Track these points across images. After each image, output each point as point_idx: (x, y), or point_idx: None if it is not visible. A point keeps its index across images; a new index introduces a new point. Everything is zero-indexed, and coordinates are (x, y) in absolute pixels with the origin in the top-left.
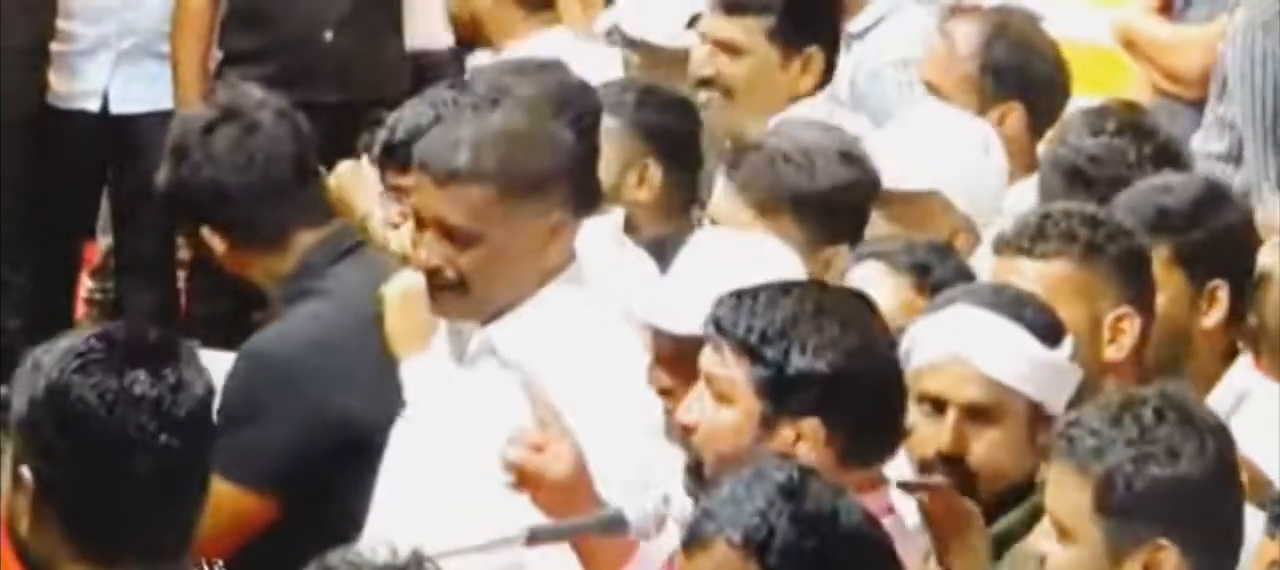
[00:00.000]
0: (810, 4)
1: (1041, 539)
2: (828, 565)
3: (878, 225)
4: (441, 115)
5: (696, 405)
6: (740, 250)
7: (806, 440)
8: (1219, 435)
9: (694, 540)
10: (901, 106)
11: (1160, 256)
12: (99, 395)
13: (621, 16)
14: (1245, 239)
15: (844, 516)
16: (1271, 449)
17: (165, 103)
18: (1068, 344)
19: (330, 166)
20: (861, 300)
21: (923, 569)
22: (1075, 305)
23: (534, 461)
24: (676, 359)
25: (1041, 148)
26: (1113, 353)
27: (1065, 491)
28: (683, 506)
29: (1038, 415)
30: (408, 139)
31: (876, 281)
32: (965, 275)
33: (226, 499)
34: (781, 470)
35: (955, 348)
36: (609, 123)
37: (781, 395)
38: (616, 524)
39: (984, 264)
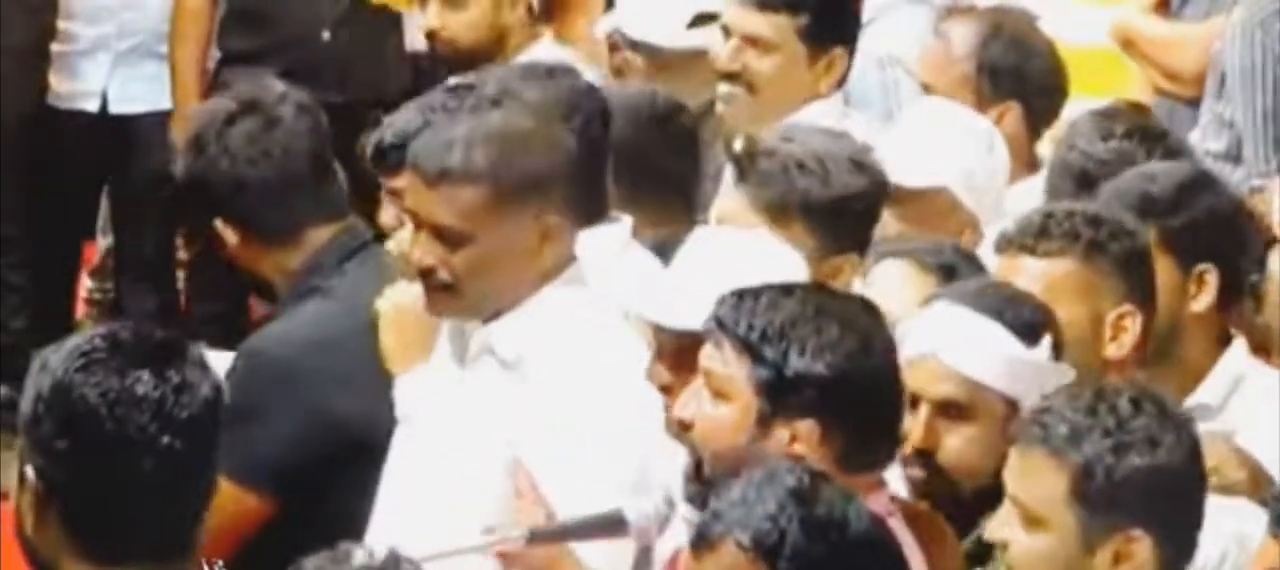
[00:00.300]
0: (841, 4)
1: (1000, 527)
2: (838, 568)
3: (887, 223)
4: (435, 117)
5: (694, 402)
6: (741, 247)
7: (802, 441)
8: (1188, 427)
9: (703, 541)
10: (884, 104)
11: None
12: (101, 395)
13: (623, 20)
14: (1232, 222)
15: (854, 522)
16: (1266, 434)
17: (164, 103)
18: (1046, 343)
19: None
20: (863, 304)
21: None
22: (1077, 304)
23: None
24: (677, 355)
25: (1048, 151)
26: (1114, 351)
27: (1037, 478)
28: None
29: (1014, 413)
30: (399, 141)
31: (902, 280)
32: (986, 275)
33: (223, 496)
34: (792, 473)
35: (931, 345)
36: None
37: (779, 395)
38: (616, 524)
39: (987, 263)
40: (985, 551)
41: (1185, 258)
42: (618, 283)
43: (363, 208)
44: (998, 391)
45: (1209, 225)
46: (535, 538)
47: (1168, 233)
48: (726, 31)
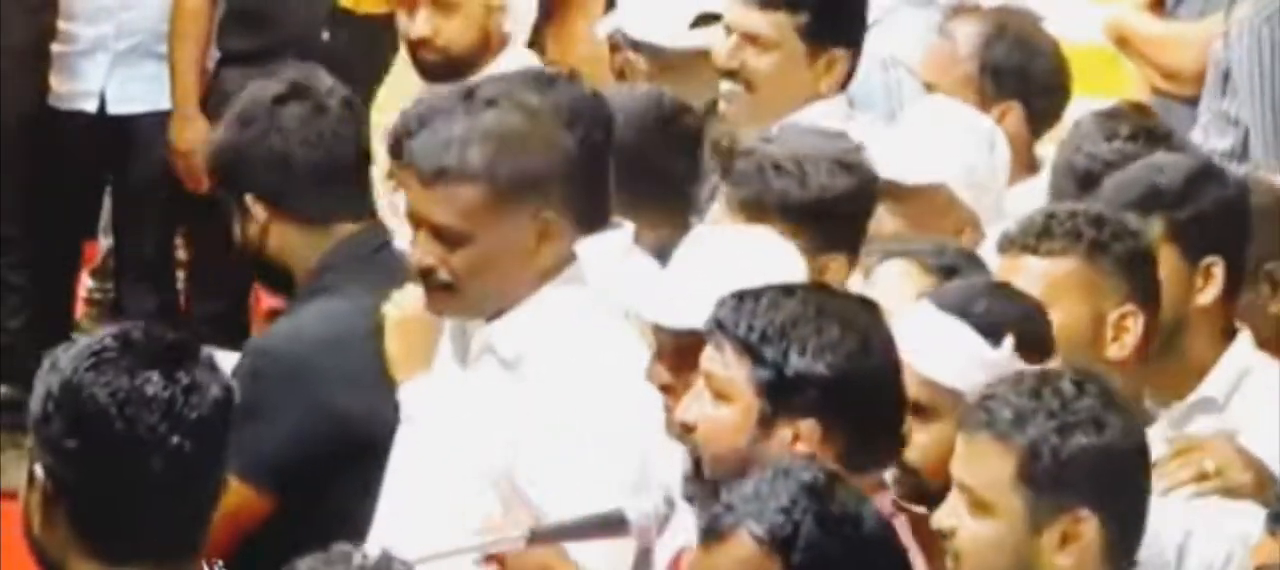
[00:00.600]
0: (842, 5)
1: (948, 515)
2: (851, 566)
3: (883, 220)
4: (434, 116)
5: (696, 404)
6: (740, 246)
7: (804, 441)
8: (1133, 412)
9: (714, 533)
10: (888, 105)
11: (1153, 233)
12: (111, 395)
13: (625, 20)
14: (1240, 215)
15: (867, 520)
16: (1271, 429)
17: (163, 103)
18: (1008, 342)
19: None
20: (863, 303)
21: None
22: (1079, 304)
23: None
24: (677, 355)
25: (1053, 152)
26: (1116, 351)
27: (983, 463)
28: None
29: None
30: (396, 140)
31: (904, 280)
32: (987, 275)
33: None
34: (807, 470)
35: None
36: None
37: (780, 395)
38: (617, 524)
39: (988, 263)
40: None
41: (1192, 250)
42: (620, 288)
43: None
44: (958, 391)
45: (1217, 217)
46: (535, 538)
47: (1175, 225)
48: (728, 29)
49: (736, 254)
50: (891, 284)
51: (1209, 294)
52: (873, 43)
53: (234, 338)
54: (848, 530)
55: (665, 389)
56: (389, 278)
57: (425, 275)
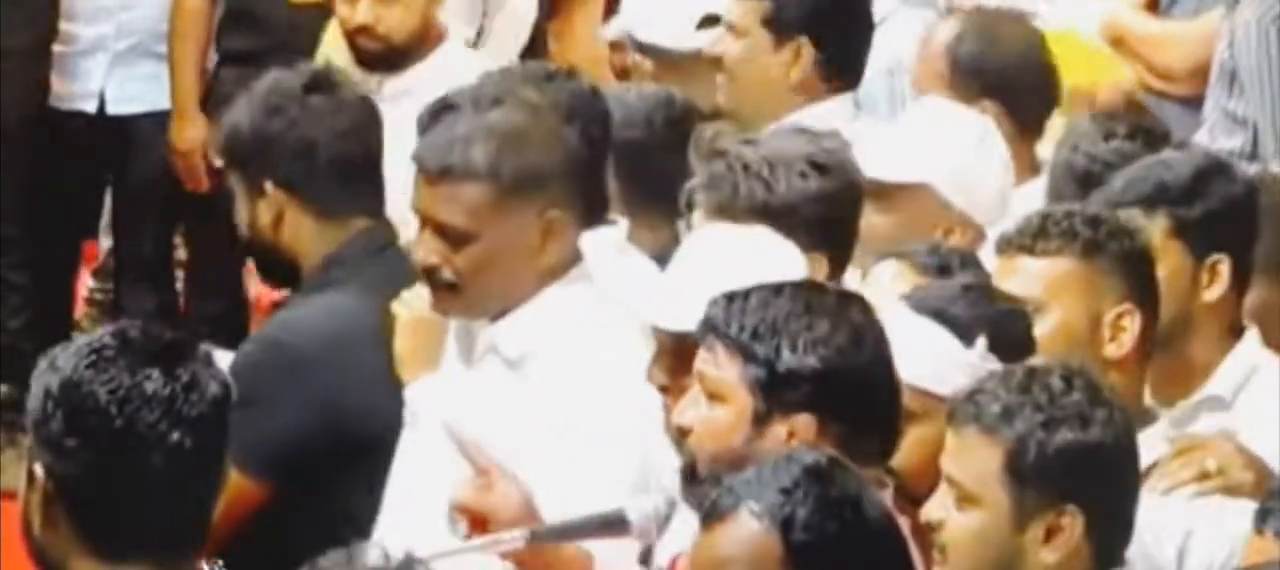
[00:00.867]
0: None
1: (935, 507)
2: (850, 549)
3: (870, 218)
4: (445, 114)
5: (691, 407)
6: (740, 247)
7: (800, 436)
8: (1121, 409)
9: (715, 513)
10: (892, 110)
11: (1160, 230)
12: (111, 392)
13: (631, 22)
14: (1247, 212)
15: (868, 505)
16: (1277, 426)
17: (162, 103)
18: (981, 343)
19: None
20: (856, 300)
21: None
22: (1076, 303)
23: (484, 503)
24: (677, 357)
25: (1052, 154)
26: (1113, 351)
27: (971, 456)
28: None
29: None
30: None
31: (899, 281)
32: (976, 276)
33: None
34: (809, 455)
35: None
36: None
37: (774, 391)
38: (617, 524)
39: (988, 264)
40: None
41: (1198, 247)
42: (616, 284)
43: None
44: (935, 393)
45: (1224, 214)
46: (536, 538)
47: (1181, 221)
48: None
49: (736, 255)
50: (884, 285)
51: (1215, 291)
52: (874, 46)
53: (233, 338)
54: (847, 513)
55: (664, 390)
56: (395, 276)
57: (429, 274)
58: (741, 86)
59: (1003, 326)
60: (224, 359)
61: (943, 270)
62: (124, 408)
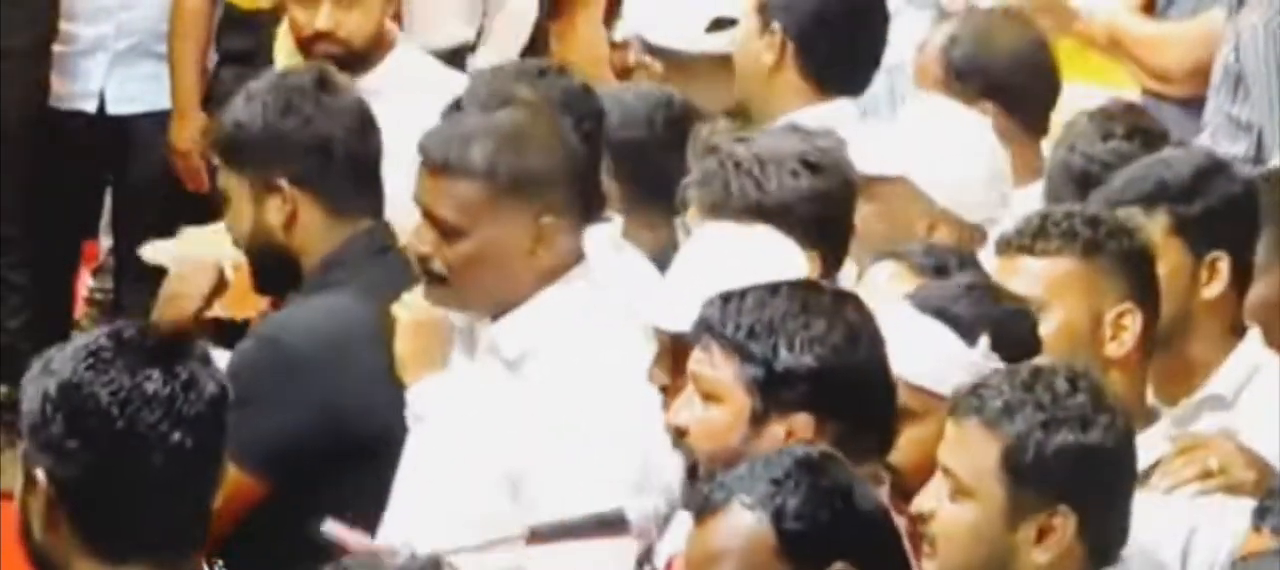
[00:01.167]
0: None
1: (928, 498)
2: (843, 537)
3: (857, 211)
4: (457, 111)
5: (686, 408)
6: (741, 247)
7: (798, 435)
8: (1123, 413)
9: (707, 507)
10: (892, 109)
11: (1160, 228)
12: (111, 393)
13: (641, 25)
14: (1246, 210)
15: (860, 495)
16: (1278, 425)
17: (162, 103)
18: (983, 342)
19: None
20: (852, 299)
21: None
22: (1076, 302)
23: None
24: (677, 357)
25: (1049, 154)
26: (1114, 350)
27: (970, 449)
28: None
29: None
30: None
31: (895, 282)
32: (977, 276)
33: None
34: (800, 448)
35: None
36: None
37: (771, 391)
38: (617, 524)
39: (988, 265)
40: None
41: (1198, 245)
42: (613, 282)
43: None
44: (936, 393)
45: (1223, 212)
46: (535, 537)
47: (1181, 219)
48: None
49: (737, 255)
50: (881, 285)
51: (1214, 289)
52: None
53: (232, 337)
54: (839, 502)
55: (665, 390)
56: (395, 279)
57: (421, 262)
58: (739, 77)
59: (1007, 326)
60: (222, 357)
61: (939, 271)
62: (125, 409)
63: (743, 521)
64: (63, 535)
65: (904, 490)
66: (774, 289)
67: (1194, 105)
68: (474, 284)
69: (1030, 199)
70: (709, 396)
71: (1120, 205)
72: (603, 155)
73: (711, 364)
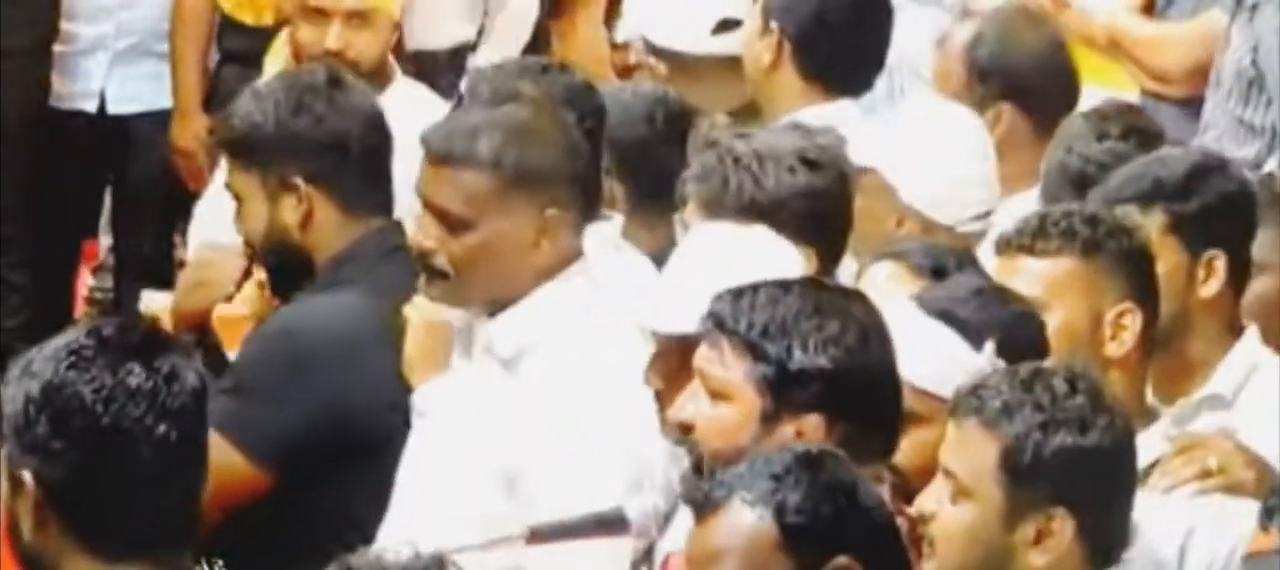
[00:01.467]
0: None
1: (929, 498)
2: (845, 532)
3: None
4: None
5: (692, 404)
6: (737, 247)
7: (809, 436)
8: (1123, 415)
9: (707, 505)
10: (890, 106)
11: (1156, 226)
12: (94, 391)
13: (645, 26)
14: (1242, 208)
15: (863, 491)
16: (1278, 424)
17: (162, 102)
18: (989, 347)
19: None
20: (860, 298)
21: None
22: (1076, 303)
23: None
24: (673, 359)
25: (1045, 156)
26: (1114, 349)
27: (969, 449)
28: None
29: None
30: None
31: (894, 282)
32: (982, 278)
33: (226, 459)
34: (802, 446)
35: None
36: None
37: (783, 391)
38: (616, 523)
39: (986, 266)
40: None
41: (1194, 243)
42: (612, 281)
43: None
44: (940, 396)
45: (1219, 210)
46: (535, 537)
47: (1177, 217)
48: None
49: (734, 255)
50: (880, 285)
51: (1211, 287)
52: None
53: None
54: (841, 497)
55: (659, 393)
56: (405, 278)
57: (423, 258)
58: (748, 77)
59: (1014, 330)
60: (155, 298)
61: (938, 272)
62: (109, 405)
63: (744, 518)
64: (53, 536)
65: (906, 492)
66: (786, 287)
67: (1193, 105)
68: (477, 278)
69: (1032, 201)
70: (717, 395)
71: (1116, 204)
72: (603, 154)
73: (722, 362)
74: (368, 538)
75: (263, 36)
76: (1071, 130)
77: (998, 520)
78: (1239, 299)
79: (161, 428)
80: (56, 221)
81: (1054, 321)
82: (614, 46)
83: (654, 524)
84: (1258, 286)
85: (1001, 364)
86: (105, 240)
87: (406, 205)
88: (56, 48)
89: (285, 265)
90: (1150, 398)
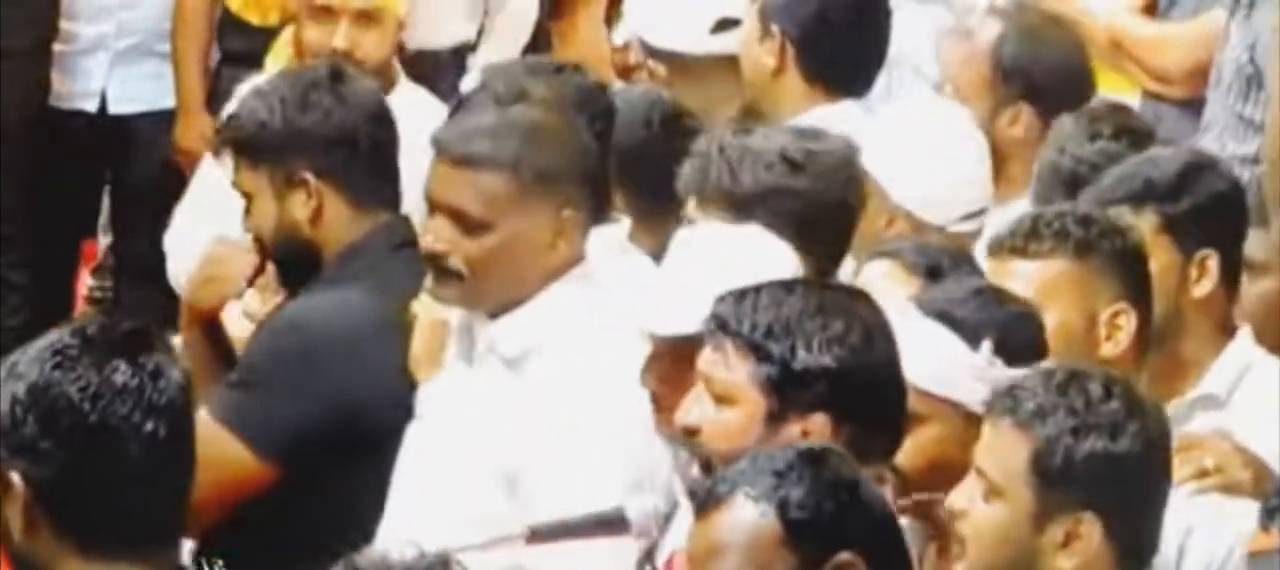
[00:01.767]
0: None
1: (960, 496)
2: (848, 528)
3: None
4: (467, 105)
5: (696, 406)
6: (730, 248)
7: (814, 436)
8: (1158, 422)
9: (711, 500)
10: (887, 103)
11: (1148, 226)
12: (80, 389)
13: (643, 27)
14: (1234, 207)
15: (865, 488)
16: (1272, 425)
17: (163, 102)
18: (985, 346)
19: None
20: (864, 297)
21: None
22: (1071, 304)
23: None
24: (670, 361)
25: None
26: (1110, 350)
27: (1002, 449)
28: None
29: (967, 415)
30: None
31: (887, 280)
32: (977, 277)
33: (232, 452)
34: (804, 445)
35: None
36: None
37: (788, 391)
38: (616, 523)
39: (981, 264)
40: None
41: (1186, 243)
42: (617, 284)
43: None
44: (939, 396)
45: (1211, 209)
46: (535, 536)
47: (1169, 218)
48: None
49: (726, 256)
50: (875, 284)
51: (1204, 287)
52: None
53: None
54: (844, 493)
55: (655, 395)
56: (412, 274)
57: (435, 260)
58: (747, 82)
59: (1011, 330)
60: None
61: (932, 271)
62: (97, 403)
63: (747, 514)
64: (44, 537)
65: (907, 493)
66: (788, 287)
67: (1194, 106)
68: (492, 279)
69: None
70: (722, 398)
71: (1108, 205)
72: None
73: (726, 365)
74: (370, 535)
75: (264, 36)
76: (1063, 131)
77: (1027, 521)
78: (1231, 299)
79: (149, 424)
80: (56, 221)
81: (1048, 323)
82: (616, 48)
83: (654, 524)
84: (1256, 288)
85: (1000, 363)
86: (105, 240)
87: (410, 204)
88: (57, 47)
89: (296, 261)
90: None
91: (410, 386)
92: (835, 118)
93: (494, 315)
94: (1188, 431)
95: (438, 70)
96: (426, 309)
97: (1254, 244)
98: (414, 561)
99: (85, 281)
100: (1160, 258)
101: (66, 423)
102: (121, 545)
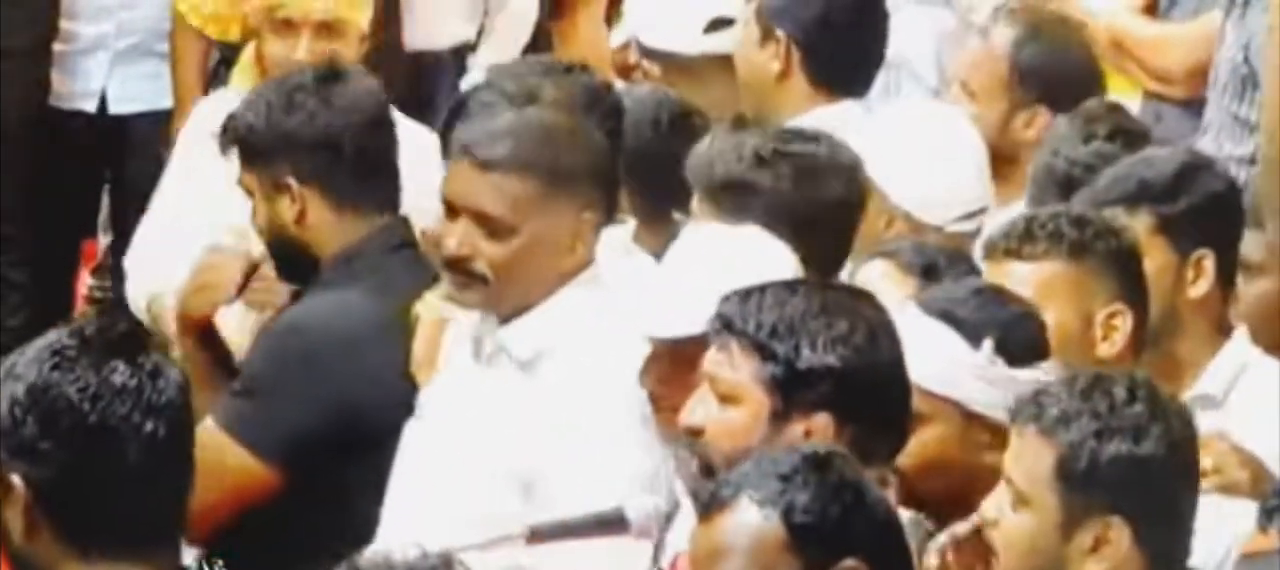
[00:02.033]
0: None
1: (991, 505)
2: (853, 532)
3: None
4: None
5: (701, 407)
6: (728, 249)
7: (818, 435)
8: (1184, 423)
9: (715, 503)
10: (885, 104)
11: (1143, 227)
12: (80, 390)
13: (639, 28)
14: (1229, 207)
15: (869, 492)
16: (1270, 427)
17: (162, 102)
18: (986, 345)
19: None
20: (868, 297)
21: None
22: (1066, 304)
23: None
24: (669, 362)
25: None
26: (1106, 350)
27: (1027, 456)
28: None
29: (968, 415)
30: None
31: (883, 280)
32: (976, 276)
33: (234, 459)
34: (810, 447)
35: None
36: None
37: (793, 391)
38: (616, 522)
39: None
40: None
41: (1182, 243)
42: (623, 285)
43: None
44: (942, 396)
45: (1207, 210)
46: (535, 536)
47: (1165, 218)
48: None
49: (725, 258)
50: (870, 284)
51: (1200, 287)
52: None
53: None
54: (849, 497)
55: (655, 397)
56: (412, 276)
57: (456, 264)
58: (744, 87)
59: (1012, 329)
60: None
61: (928, 270)
62: (96, 404)
63: (751, 517)
64: (45, 539)
65: (909, 493)
66: (792, 286)
67: (1195, 106)
68: (516, 283)
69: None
70: (726, 398)
71: (1103, 206)
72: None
73: (730, 364)
74: (372, 536)
75: None
76: (1057, 132)
77: (1054, 528)
78: (1227, 299)
79: (149, 425)
80: (56, 221)
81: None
82: (616, 48)
83: (654, 524)
84: (1252, 288)
85: (1001, 363)
86: (105, 240)
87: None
88: (57, 47)
89: (290, 260)
90: None
91: (411, 388)
92: (835, 118)
93: (505, 319)
94: None
95: (438, 70)
96: (427, 310)
97: (1250, 244)
98: (417, 561)
99: (85, 281)
100: (1156, 258)
101: (66, 424)
102: (122, 545)
